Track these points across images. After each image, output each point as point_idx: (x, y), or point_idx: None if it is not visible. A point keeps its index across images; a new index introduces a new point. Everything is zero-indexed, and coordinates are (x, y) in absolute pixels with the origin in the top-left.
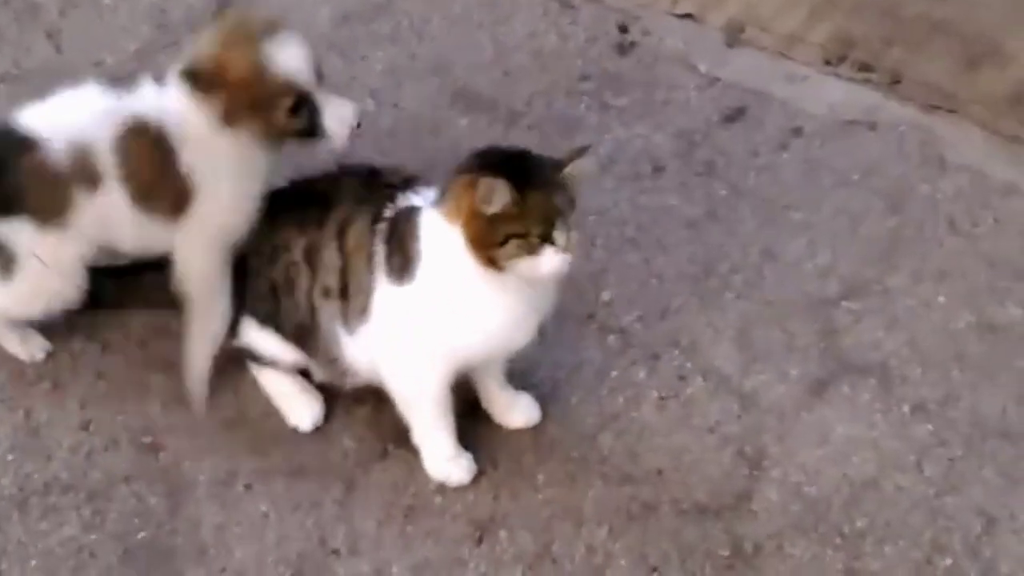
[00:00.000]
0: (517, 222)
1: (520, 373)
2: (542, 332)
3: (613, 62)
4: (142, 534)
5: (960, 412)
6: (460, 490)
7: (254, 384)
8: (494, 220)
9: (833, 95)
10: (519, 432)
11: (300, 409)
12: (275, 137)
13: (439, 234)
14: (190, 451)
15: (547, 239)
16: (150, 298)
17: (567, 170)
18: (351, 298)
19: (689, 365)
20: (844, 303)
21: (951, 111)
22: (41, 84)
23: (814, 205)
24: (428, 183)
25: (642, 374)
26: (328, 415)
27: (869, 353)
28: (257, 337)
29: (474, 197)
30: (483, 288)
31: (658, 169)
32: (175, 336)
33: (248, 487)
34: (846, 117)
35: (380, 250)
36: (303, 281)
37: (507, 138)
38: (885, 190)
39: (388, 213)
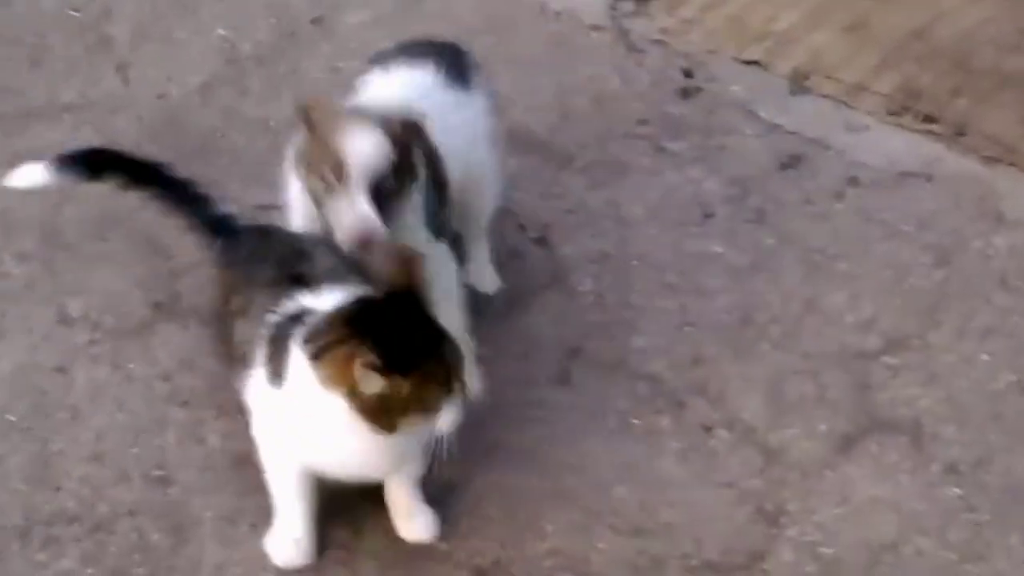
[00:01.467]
0: (411, 400)
1: (540, 420)
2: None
3: (675, 106)
4: (140, 570)
5: (992, 476)
6: (465, 536)
7: None
8: (383, 398)
9: (893, 146)
10: (533, 480)
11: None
12: None
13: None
14: (199, 487)
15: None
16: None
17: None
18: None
19: (716, 416)
20: (883, 357)
21: (1012, 164)
22: (104, 115)
23: (861, 257)
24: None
25: (666, 423)
26: None
27: (902, 410)
28: None
29: (353, 374)
30: (353, 428)
31: (707, 215)
32: (200, 372)
33: (253, 526)
34: (904, 168)
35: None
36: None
37: (558, 180)
38: (936, 243)
39: (274, 318)
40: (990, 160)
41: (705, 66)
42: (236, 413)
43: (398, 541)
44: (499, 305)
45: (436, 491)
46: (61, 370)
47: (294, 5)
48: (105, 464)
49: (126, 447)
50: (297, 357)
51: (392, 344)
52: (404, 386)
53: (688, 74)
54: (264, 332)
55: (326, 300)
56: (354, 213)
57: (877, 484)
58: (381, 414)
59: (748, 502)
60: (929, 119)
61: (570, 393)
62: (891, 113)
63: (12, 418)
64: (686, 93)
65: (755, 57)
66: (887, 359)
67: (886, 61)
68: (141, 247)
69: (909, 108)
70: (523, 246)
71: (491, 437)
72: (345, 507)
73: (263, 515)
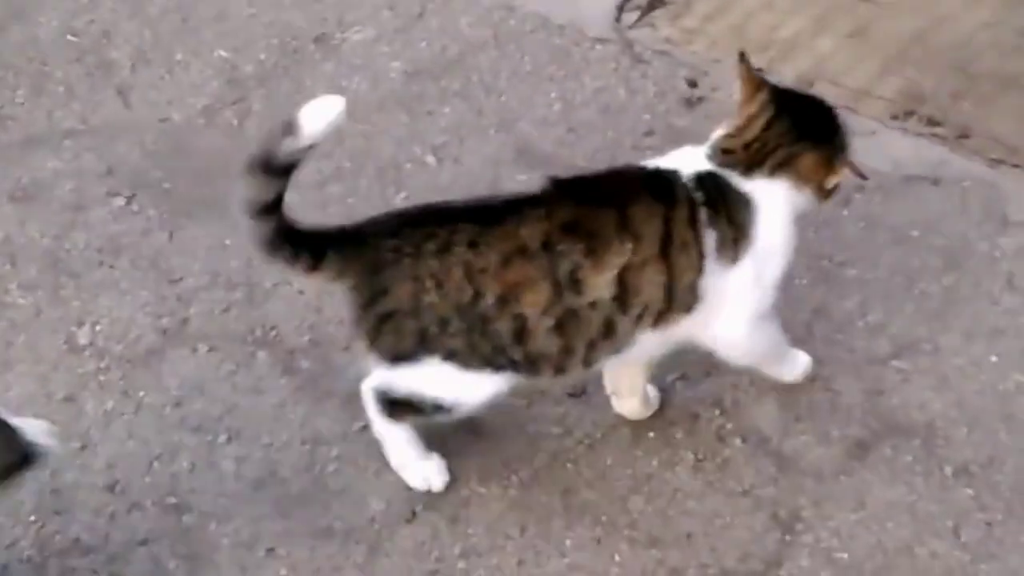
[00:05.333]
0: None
1: (556, 436)
2: None
3: (680, 116)
4: None
5: (1004, 475)
6: (485, 555)
7: (287, 443)
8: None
9: (898, 150)
10: (551, 496)
11: (431, 468)
12: None
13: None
14: (215, 512)
15: None
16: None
17: None
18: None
19: (729, 426)
20: (893, 362)
21: (1016, 166)
22: (106, 141)
23: (870, 262)
24: None
25: (680, 435)
26: (357, 477)
27: (915, 414)
28: (432, 379)
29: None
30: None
31: None
32: (211, 397)
33: (270, 551)
34: (910, 172)
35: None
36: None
37: None
38: (944, 247)
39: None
40: (994, 162)
41: (709, 76)
42: (249, 437)
43: (416, 563)
44: None
45: (453, 509)
46: (70, 399)
47: (295, 24)
48: (118, 493)
49: (139, 475)
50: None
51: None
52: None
53: (693, 84)
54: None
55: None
56: None
57: (891, 488)
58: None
59: (763, 509)
60: (933, 123)
61: (585, 407)
62: (895, 117)
63: None
64: (691, 103)
65: (759, 65)
66: (898, 364)
67: (888, 66)
68: (147, 272)
69: (913, 112)
70: None
71: (507, 455)
72: None
73: (280, 539)
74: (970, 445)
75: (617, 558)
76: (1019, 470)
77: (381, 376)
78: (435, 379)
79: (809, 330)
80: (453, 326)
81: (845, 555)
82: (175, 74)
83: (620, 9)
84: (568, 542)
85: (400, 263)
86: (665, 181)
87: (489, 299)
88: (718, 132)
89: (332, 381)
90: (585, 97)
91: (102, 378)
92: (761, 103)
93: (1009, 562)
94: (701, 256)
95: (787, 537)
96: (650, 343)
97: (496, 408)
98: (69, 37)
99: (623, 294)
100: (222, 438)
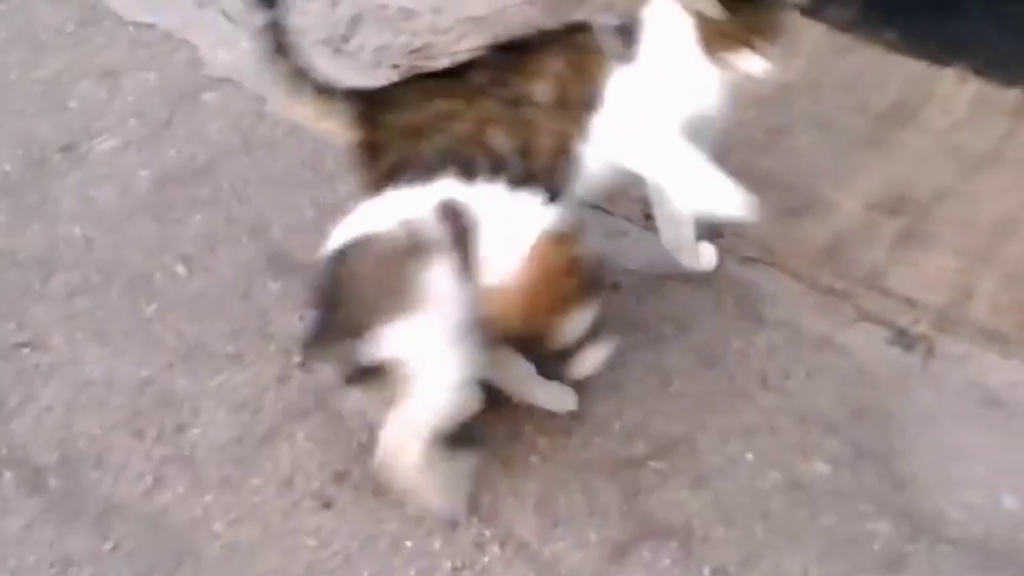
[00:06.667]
0: None
1: (312, 548)
2: None
3: None
4: None
5: (761, 573)
6: None
7: (35, 566)
8: None
9: (652, 249)
10: None
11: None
12: None
13: None
14: None
15: None
16: None
17: None
18: None
19: (487, 533)
20: (651, 463)
21: (769, 264)
22: None
23: (626, 363)
24: None
25: (438, 544)
26: None
27: (673, 514)
28: None
29: None
30: None
31: None
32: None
33: None
34: (664, 271)
35: None
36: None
37: None
38: (699, 345)
39: None
40: (748, 260)
41: None
42: None
43: None
44: (261, 430)
45: None
46: None
47: (41, 134)
48: None
49: None
50: None
51: None
52: None
53: None
54: None
55: None
56: None
57: None
58: None
59: None
60: None
61: (341, 518)
62: (648, 217)
63: None
64: None
65: None
66: (655, 464)
67: None
68: None
69: None
70: (286, 370)
71: (263, 568)
72: None
73: None
74: (728, 544)
75: None
76: (776, 567)
77: None
78: None
79: (567, 434)
80: None
81: None
82: None
83: None
84: None
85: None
86: None
87: None
88: None
89: (82, 499)
90: (338, 201)
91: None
92: None
93: None
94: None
95: None
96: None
97: (252, 518)
98: None
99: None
100: None
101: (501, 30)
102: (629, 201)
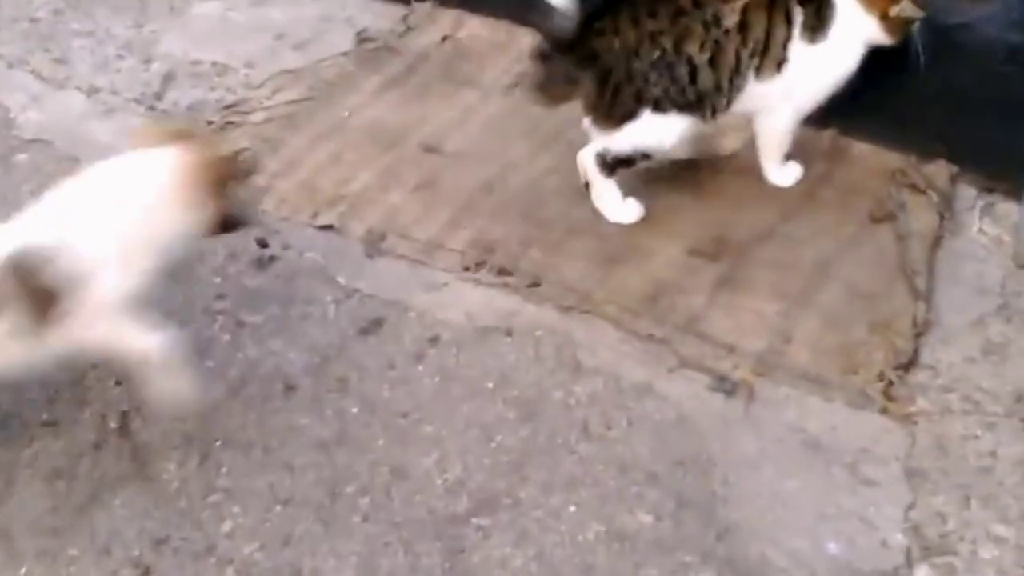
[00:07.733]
0: None
1: None
2: None
3: (251, 278)
4: None
5: None
6: None
7: None
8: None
9: (472, 302)
10: None
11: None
12: None
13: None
14: None
15: None
16: None
17: None
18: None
19: None
20: (474, 519)
21: (587, 312)
22: None
23: (446, 418)
24: None
25: None
26: None
27: (496, 572)
28: (645, 129)
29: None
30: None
31: (290, 388)
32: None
33: None
34: (483, 324)
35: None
36: (731, 47)
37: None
38: (519, 398)
39: None
40: (565, 309)
41: (280, 234)
42: None
43: None
44: (77, 499)
45: None
46: None
47: None
48: None
49: None
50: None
51: None
52: None
53: (263, 244)
54: None
55: None
56: None
57: None
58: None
59: None
60: (504, 272)
61: None
62: (467, 269)
63: None
64: (262, 263)
65: (330, 221)
66: (478, 520)
67: (457, 217)
68: None
69: (484, 262)
70: (102, 435)
71: None
72: None
73: None
74: None
75: None
76: None
77: (602, 142)
78: (645, 130)
79: (388, 492)
80: (652, 79)
81: None
82: None
83: None
84: None
85: (612, 46)
86: None
87: (669, 49)
88: None
89: None
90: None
91: None
92: None
93: None
94: (790, 24)
95: None
96: (752, 97)
97: None
98: None
99: (743, 28)
100: None
101: (316, 82)
102: (447, 253)
